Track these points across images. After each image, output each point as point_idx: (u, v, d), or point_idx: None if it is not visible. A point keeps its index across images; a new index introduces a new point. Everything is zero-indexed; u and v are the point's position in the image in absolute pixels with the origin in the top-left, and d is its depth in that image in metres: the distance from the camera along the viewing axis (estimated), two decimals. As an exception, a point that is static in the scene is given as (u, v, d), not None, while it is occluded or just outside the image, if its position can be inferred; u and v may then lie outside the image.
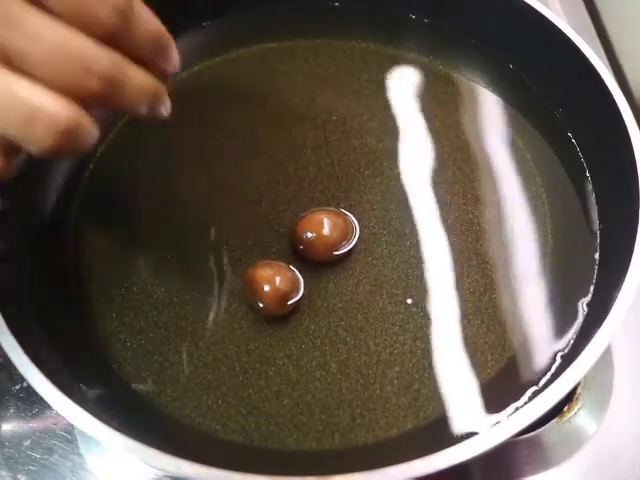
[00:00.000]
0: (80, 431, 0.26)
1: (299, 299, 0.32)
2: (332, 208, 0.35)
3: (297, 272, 0.33)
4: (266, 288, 0.31)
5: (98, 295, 0.33)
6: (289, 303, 0.32)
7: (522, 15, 0.37)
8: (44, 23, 0.21)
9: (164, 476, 0.33)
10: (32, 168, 0.36)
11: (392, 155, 0.37)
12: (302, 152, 0.37)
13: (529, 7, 0.37)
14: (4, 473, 0.33)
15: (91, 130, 0.23)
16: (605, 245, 0.33)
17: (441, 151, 0.37)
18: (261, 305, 0.31)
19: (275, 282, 0.31)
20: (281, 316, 0.32)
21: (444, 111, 0.39)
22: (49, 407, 0.26)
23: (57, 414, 0.25)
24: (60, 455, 0.34)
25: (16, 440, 0.34)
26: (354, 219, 0.35)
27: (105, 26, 0.22)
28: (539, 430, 0.34)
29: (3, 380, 0.36)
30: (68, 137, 0.22)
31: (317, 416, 0.30)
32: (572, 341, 0.31)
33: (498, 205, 0.35)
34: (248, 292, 0.32)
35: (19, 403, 0.35)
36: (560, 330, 0.31)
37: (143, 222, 0.35)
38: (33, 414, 0.35)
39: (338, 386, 0.30)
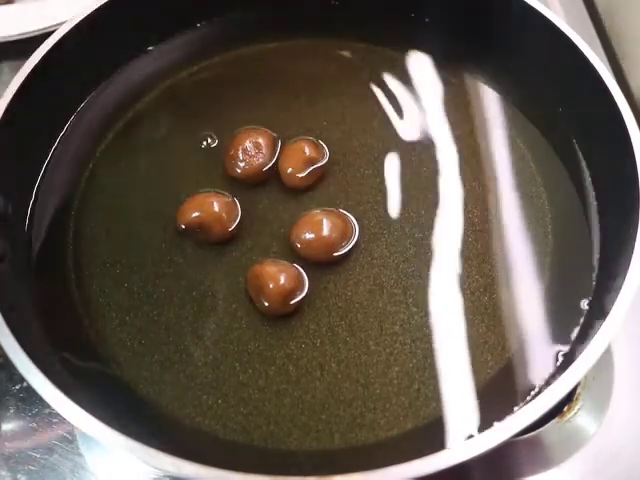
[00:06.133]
0: (80, 431, 0.26)
1: (302, 299, 0.32)
2: (331, 208, 0.35)
3: (302, 271, 0.33)
4: (271, 286, 0.31)
5: (98, 295, 0.33)
6: (292, 302, 0.32)
7: (522, 15, 0.37)
8: None
9: (164, 476, 0.33)
10: (32, 167, 0.36)
11: (392, 155, 0.37)
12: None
13: (529, 7, 0.37)
14: (4, 473, 0.33)
15: None
16: (605, 245, 0.33)
17: (441, 151, 0.37)
18: (265, 303, 0.31)
19: (280, 280, 0.31)
20: (282, 315, 0.32)
21: (444, 111, 0.39)
22: (49, 407, 0.26)
23: (57, 414, 0.25)
24: (60, 455, 0.34)
25: (16, 440, 0.34)
26: (353, 219, 0.35)
27: None
28: (539, 430, 0.34)
29: (3, 380, 0.36)
30: None
31: (317, 416, 0.30)
32: (572, 341, 0.31)
33: (498, 205, 0.35)
34: (252, 289, 0.32)
35: (19, 403, 0.35)
36: (560, 330, 0.31)
37: (143, 222, 0.35)
38: (33, 414, 0.35)
39: (338, 386, 0.30)
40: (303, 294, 0.32)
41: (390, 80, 0.40)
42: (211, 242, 0.34)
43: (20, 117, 0.34)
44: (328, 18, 0.43)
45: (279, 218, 0.35)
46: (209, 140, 0.38)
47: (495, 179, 0.36)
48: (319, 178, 0.36)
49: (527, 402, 0.29)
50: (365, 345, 0.31)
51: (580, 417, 0.34)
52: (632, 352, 0.36)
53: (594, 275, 0.32)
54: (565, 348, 0.31)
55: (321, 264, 0.33)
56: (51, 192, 0.36)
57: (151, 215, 0.35)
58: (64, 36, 0.36)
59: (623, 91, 0.33)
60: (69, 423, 0.25)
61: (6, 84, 0.34)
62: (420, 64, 0.41)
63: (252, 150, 0.36)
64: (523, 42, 0.38)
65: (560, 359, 0.30)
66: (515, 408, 0.29)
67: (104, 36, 0.38)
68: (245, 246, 0.34)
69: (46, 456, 0.34)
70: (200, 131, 0.38)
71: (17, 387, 0.35)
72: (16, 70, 0.34)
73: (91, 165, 0.37)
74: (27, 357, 0.26)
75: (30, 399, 0.35)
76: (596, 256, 0.33)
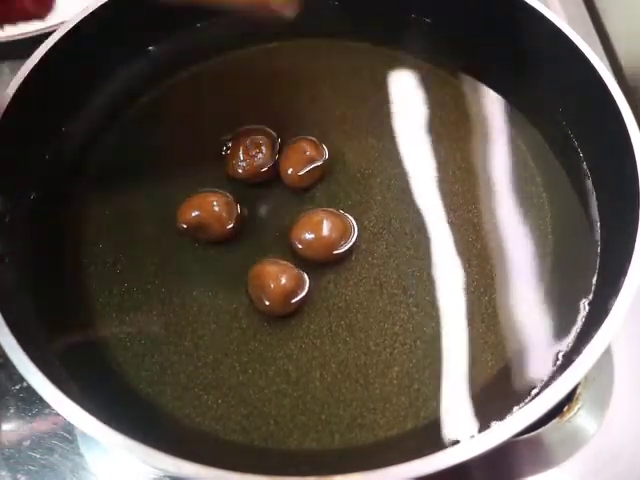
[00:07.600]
0: (80, 431, 0.26)
1: (302, 298, 0.32)
2: (331, 208, 0.35)
3: (302, 271, 0.33)
4: (272, 285, 0.31)
5: (98, 295, 0.33)
6: (293, 301, 0.32)
7: (522, 15, 0.37)
8: None
9: (164, 476, 0.33)
10: (32, 167, 0.36)
11: (392, 155, 0.37)
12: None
13: (529, 7, 0.37)
14: (4, 473, 0.33)
15: None
16: (605, 245, 0.33)
17: (441, 151, 0.37)
18: (267, 302, 0.31)
19: (282, 280, 0.31)
20: (283, 315, 0.32)
21: (444, 111, 0.39)
22: (49, 407, 0.26)
23: (57, 414, 0.25)
24: (60, 455, 0.34)
25: (16, 440, 0.34)
26: (353, 219, 0.35)
27: None
28: (539, 430, 0.34)
29: (3, 380, 0.36)
30: None
31: (317, 416, 0.30)
32: (572, 341, 0.31)
33: (498, 205, 0.35)
34: (253, 289, 0.32)
35: (19, 403, 0.35)
36: (560, 330, 0.31)
37: (143, 222, 0.35)
38: (33, 414, 0.35)
39: (338, 386, 0.30)
40: (303, 293, 0.32)
41: (390, 80, 0.40)
42: (211, 242, 0.34)
43: (20, 117, 0.34)
44: (328, 18, 0.43)
45: (279, 218, 0.35)
46: (209, 140, 0.38)
47: (495, 179, 0.36)
48: (319, 178, 0.36)
49: (527, 402, 0.29)
50: (365, 345, 0.31)
51: (580, 417, 0.34)
52: (632, 352, 0.36)
53: (594, 275, 0.32)
54: (565, 348, 0.31)
55: (321, 264, 0.33)
56: (51, 192, 0.36)
57: (151, 215, 0.35)
58: (64, 36, 0.36)
59: (623, 91, 0.33)
60: (69, 423, 0.25)
61: (6, 84, 0.34)
62: (420, 64, 0.41)
63: (252, 150, 0.36)
64: (523, 42, 0.38)
65: (560, 359, 0.30)
66: (515, 408, 0.29)
67: (104, 36, 0.38)
68: (245, 246, 0.34)
69: (46, 456, 0.34)
70: (200, 131, 0.38)
71: (17, 387, 0.35)
72: (16, 70, 0.34)
73: (91, 165, 0.37)
74: (27, 357, 0.26)
75: (30, 399, 0.35)
76: (596, 256, 0.33)
